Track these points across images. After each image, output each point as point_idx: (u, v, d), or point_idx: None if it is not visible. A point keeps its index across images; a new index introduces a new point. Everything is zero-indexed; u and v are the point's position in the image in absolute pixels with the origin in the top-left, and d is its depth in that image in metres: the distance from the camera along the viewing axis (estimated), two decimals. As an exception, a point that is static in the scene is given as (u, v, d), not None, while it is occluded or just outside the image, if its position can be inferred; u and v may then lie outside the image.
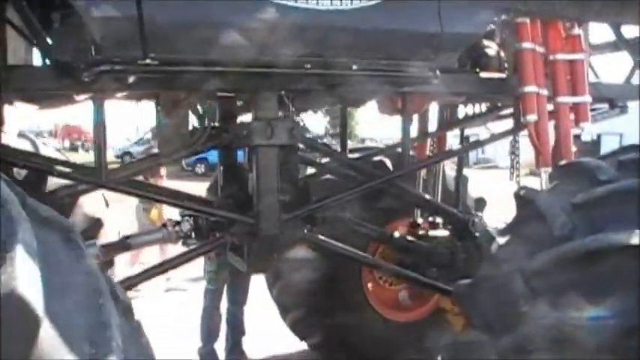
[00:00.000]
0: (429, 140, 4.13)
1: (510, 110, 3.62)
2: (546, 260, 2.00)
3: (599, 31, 3.70)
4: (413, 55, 2.58)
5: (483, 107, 3.92)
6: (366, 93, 3.24)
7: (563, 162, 2.98)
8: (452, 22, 2.53)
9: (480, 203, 4.35)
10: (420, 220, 4.07)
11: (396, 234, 3.67)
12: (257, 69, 2.42)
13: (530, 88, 3.08)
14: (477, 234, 3.49)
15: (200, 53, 2.24)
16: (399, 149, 3.72)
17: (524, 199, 2.46)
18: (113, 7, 2.08)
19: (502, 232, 2.48)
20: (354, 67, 2.54)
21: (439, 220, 4.00)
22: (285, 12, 2.28)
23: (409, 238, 3.70)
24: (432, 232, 3.87)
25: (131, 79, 2.39)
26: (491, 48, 3.37)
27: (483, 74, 3.29)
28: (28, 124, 26.50)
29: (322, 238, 3.09)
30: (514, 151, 3.59)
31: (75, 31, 2.35)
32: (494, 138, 3.59)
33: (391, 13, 2.43)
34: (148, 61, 2.19)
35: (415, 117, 4.06)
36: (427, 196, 3.76)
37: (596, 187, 2.04)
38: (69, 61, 2.35)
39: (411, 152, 4.18)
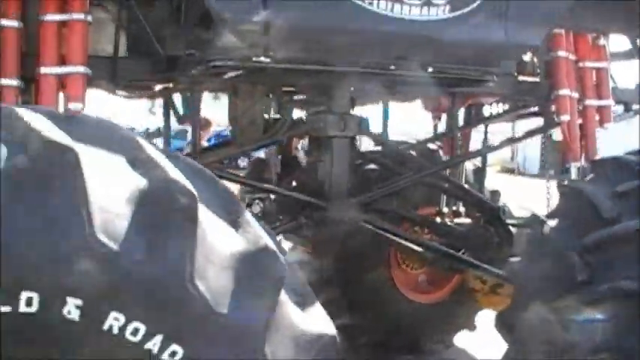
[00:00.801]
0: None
1: (531, 109, 4.08)
2: (599, 238, 2.39)
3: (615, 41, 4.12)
4: (481, 61, 2.95)
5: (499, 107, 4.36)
6: (425, 91, 3.60)
7: (597, 157, 3.40)
8: (515, 34, 2.90)
9: (495, 195, 4.75)
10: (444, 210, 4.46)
11: (438, 219, 4.06)
12: (351, 69, 2.75)
13: (564, 92, 3.50)
14: (508, 220, 3.88)
15: (309, 53, 2.57)
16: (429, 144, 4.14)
17: (571, 189, 2.88)
18: (243, 10, 2.38)
19: (550, 217, 2.89)
20: (430, 69, 2.89)
21: (462, 209, 4.43)
22: (381, 21, 2.61)
23: (447, 222, 4.09)
24: (457, 220, 4.28)
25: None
26: (526, 54, 3.76)
27: (520, 78, 3.69)
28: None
29: (380, 221, 3.44)
30: (545, 148, 3.99)
31: (188, 28, 2.68)
32: (525, 136, 3.99)
33: (466, 24, 2.79)
34: (262, 58, 2.52)
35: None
36: (466, 186, 4.14)
37: (637, 178, 2.45)
38: (180, 55, 2.68)
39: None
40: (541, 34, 3.00)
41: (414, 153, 4.41)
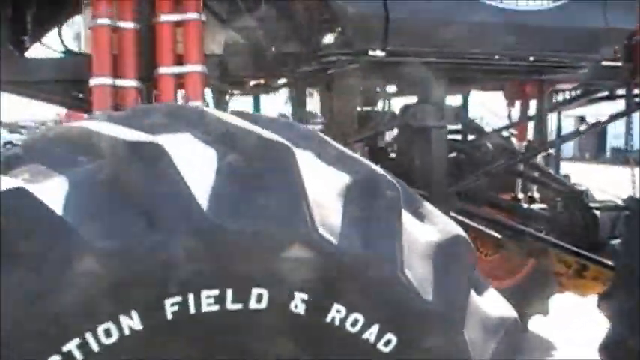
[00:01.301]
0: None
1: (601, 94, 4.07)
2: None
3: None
4: (583, 49, 2.95)
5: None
6: (515, 79, 3.62)
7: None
8: (614, 19, 2.90)
9: (566, 178, 4.75)
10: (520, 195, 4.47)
11: (524, 204, 4.08)
12: (462, 60, 2.78)
13: (649, 75, 3.49)
14: (591, 204, 3.89)
15: (425, 45, 2.59)
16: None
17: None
18: (365, 6, 2.42)
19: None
20: (531, 58, 2.91)
21: (536, 194, 4.44)
22: (492, 12, 2.62)
23: (533, 207, 4.10)
24: (533, 206, 4.28)
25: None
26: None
27: (604, 62, 3.67)
28: (30, 114, 26.45)
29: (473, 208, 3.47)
30: (629, 132, 3.98)
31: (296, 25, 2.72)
32: (609, 120, 3.97)
33: (569, 12, 2.79)
34: (377, 52, 2.56)
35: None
36: (551, 171, 4.15)
37: None
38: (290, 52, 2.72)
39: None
40: (636, 17, 2.99)
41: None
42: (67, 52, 2.71)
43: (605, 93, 4.28)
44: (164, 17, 2.51)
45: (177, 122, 1.45)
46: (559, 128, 4.53)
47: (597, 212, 3.87)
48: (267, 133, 1.33)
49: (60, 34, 2.71)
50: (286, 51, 2.84)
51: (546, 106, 4.32)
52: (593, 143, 33.70)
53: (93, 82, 2.40)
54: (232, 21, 2.80)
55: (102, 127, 1.35)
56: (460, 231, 1.49)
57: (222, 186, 1.25)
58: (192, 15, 2.52)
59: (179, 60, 2.54)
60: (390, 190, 1.40)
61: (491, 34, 2.65)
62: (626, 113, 3.85)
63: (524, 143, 4.40)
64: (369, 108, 3.57)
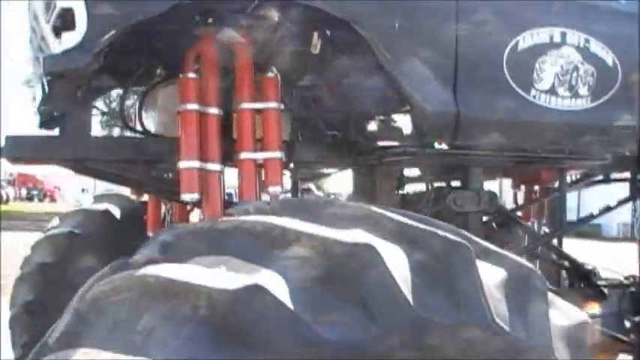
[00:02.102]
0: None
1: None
2: None
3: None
4: (613, 143, 3.21)
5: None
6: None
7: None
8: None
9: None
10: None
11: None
12: (514, 154, 3.00)
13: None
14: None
15: (488, 141, 2.80)
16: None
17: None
18: (439, 103, 2.61)
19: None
20: (566, 151, 3.15)
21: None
22: (542, 111, 2.86)
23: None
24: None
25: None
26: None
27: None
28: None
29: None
30: (634, 215, 4.26)
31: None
32: (618, 204, 4.23)
33: (605, 111, 3.06)
34: (442, 146, 2.76)
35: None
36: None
37: None
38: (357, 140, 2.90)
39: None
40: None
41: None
42: (145, 132, 2.80)
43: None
44: (246, 105, 2.64)
45: (347, 218, 1.56)
46: (579, 208, 4.78)
47: (605, 290, 4.08)
48: (445, 232, 1.46)
49: (139, 116, 2.79)
50: (347, 138, 3.01)
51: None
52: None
53: (182, 164, 2.48)
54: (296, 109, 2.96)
55: (292, 223, 1.44)
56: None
57: (418, 282, 1.36)
58: (272, 104, 2.66)
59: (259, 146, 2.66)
60: (539, 281, 1.55)
61: (543, 130, 2.89)
62: (631, 198, 4.14)
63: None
64: (408, 191, 3.73)
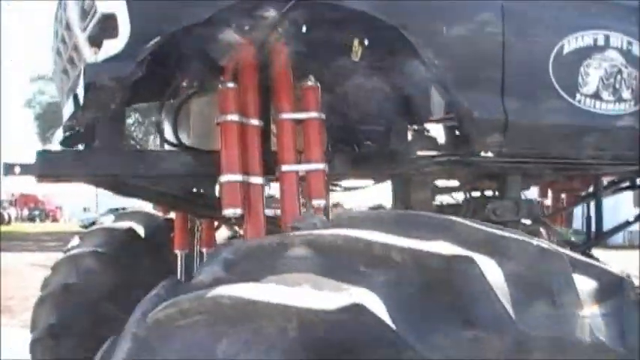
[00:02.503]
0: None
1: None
2: None
3: None
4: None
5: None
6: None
7: None
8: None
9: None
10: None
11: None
12: (559, 161, 2.91)
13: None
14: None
15: (536, 148, 2.71)
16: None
17: None
18: (487, 109, 2.52)
19: None
20: (608, 157, 3.06)
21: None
22: (587, 116, 2.77)
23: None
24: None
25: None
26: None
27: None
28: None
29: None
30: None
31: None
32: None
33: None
34: (488, 154, 2.67)
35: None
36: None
37: None
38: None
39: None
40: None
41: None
42: (180, 145, 2.70)
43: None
44: (286, 115, 2.54)
45: (425, 229, 1.46)
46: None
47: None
48: (536, 241, 1.36)
49: (175, 128, 2.70)
50: (385, 148, 2.92)
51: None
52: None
53: (224, 178, 2.38)
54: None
55: (377, 236, 1.35)
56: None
57: (517, 295, 1.27)
58: (313, 113, 2.57)
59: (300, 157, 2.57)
60: (631, 290, 1.47)
61: (588, 135, 2.80)
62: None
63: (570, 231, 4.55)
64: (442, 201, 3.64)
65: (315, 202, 2.51)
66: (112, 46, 1.93)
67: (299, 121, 2.57)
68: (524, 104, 2.62)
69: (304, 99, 2.58)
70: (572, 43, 2.74)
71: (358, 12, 2.28)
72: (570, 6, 2.76)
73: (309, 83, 2.59)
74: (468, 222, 1.47)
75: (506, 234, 1.41)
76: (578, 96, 2.77)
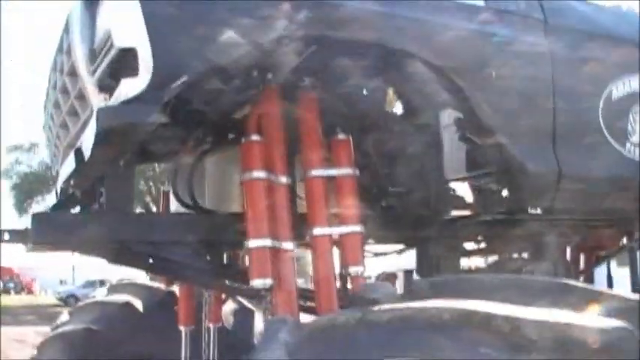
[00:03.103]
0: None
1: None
2: None
3: None
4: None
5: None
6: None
7: None
8: None
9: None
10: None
11: None
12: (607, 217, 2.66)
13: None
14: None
15: (587, 205, 2.46)
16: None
17: None
18: (540, 160, 2.27)
19: None
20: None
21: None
22: (634, 167, 2.54)
23: None
24: None
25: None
26: None
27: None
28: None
29: None
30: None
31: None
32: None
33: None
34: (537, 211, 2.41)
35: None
36: None
37: None
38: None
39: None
40: None
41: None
42: (195, 208, 2.39)
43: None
44: (316, 172, 2.26)
45: (543, 296, 1.18)
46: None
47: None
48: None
49: (190, 190, 2.39)
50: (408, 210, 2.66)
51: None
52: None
53: (252, 243, 2.08)
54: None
55: (492, 307, 1.05)
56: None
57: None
58: (346, 169, 2.29)
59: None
60: None
61: (636, 187, 2.57)
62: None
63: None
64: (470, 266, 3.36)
65: (353, 270, 2.21)
66: (131, 86, 1.63)
67: (330, 179, 2.29)
68: (577, 155, 2.38)
69: (335, 153, 2.32)
70: (620, 87, 2.53)
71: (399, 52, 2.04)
72: (619, 48, 2.56)
73: (341, 136, 2.33)
74: (587, 286, 1.19)
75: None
76: (628, 145, 2.54)
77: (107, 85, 1.77)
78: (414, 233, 2.80)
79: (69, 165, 2.13)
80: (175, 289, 3.48)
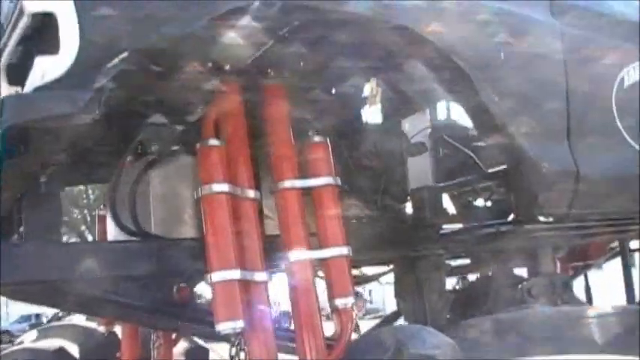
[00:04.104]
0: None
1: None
2: None
3: None
4: None
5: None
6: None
7: None
8: None
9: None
10: None
11: None
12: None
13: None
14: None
15: (610, 208, 2.12)
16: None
17: None
18: (556, 160, 1.91)
19: None
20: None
21: None
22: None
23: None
24: None
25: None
26: None
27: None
28: None
29: None
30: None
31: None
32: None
33: None
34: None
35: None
36: None
37: None
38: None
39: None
40: None
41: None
42: (139, 233, 1.91)
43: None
44: (289, 183, 1.83)
45: None
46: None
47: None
48: None
49: (132, 212, 1.91)
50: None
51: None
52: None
53: (216, 277, 1.62)
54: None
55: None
56: None
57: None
58: (325, 178, 1.87)
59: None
60: None
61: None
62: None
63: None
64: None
65: (340, 302, 1.79)
66: (50, 67, 1.15)
67: (307, 190, 1.87)
68: (595, 153, 2.03)
69: (312, 160, 1.89)
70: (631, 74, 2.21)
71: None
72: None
73: (316, 139, 1.92)
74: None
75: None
76: None
77: (18, 69, 1.30)
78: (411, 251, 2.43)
79: None
80: (117, 329, 2.97)
